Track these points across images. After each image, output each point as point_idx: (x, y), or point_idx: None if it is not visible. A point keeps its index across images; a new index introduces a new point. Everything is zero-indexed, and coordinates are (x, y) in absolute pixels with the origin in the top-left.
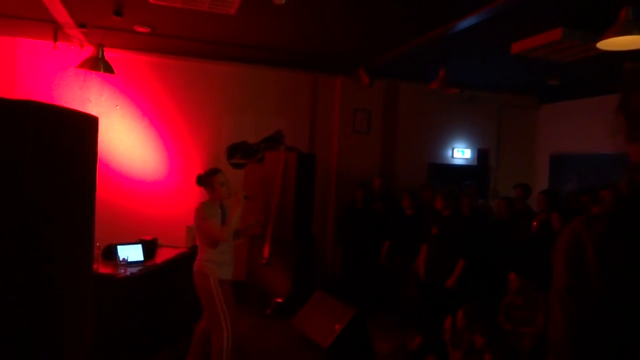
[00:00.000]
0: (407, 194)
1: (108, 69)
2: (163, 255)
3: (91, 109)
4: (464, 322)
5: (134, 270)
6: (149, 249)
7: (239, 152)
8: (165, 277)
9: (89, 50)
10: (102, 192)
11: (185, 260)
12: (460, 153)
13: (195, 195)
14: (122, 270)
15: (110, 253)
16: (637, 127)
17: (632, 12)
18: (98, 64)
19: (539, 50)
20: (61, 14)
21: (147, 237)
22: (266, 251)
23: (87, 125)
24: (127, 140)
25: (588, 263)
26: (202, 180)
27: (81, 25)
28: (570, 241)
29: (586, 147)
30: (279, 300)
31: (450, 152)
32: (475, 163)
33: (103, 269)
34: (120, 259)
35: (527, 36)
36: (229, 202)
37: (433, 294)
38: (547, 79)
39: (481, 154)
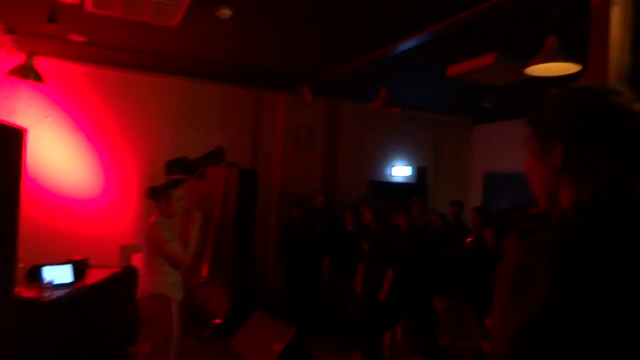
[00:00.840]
0: (351, 211)
1: (37, 78)
2: (94, 276)
3: (19, 120)
4: (402, 338)
5: (61, 293)
6: (79, 269)
7: (178, 168)
8: (96, 299)
9: (18, 58)
10: (29, 208)
11: (118, 281)
12: (400, 171)
13: (132, 212)
14: (48, 293)
15: (35, 275)
16: (578, 154)
17: (556, 41)
18: (27, 73)
19: (473, 73)
20: None
21: (77, 257)
22: (205, 270)
23: (12, 136)
24: (58, 154)
25: (537, 290)
26: (155, 193)
27: (10, 31)
28: (515, 269)
29: (517, 166)
30: (218, 321)
31: (390, 170)
32: (414, 181)
33: (27, 292)
34: (46, 281)
35: (463, 60)
36: (176, 219)
37: (370, 310)
38: (481, 101)
39: (420, 172)
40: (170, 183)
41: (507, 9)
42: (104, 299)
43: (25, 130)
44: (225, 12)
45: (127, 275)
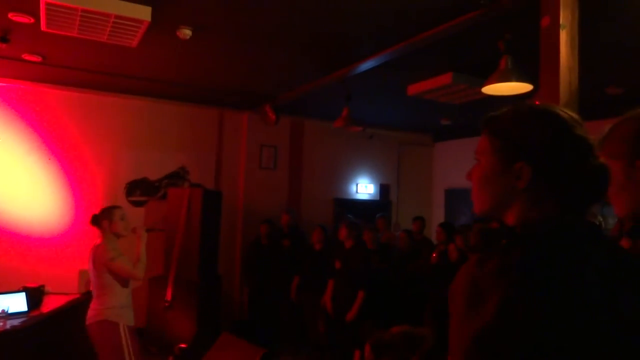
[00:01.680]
0: (319, 227)
1: None
2: (51, 303)
3: None
4: (371, 356)
5: (16, 322)
6: (34, 297)
7: (139, 189)
8: (53, 328)
9: None
10: None
11: (77, 308)
12: (364, 188)
13: (91, 235)
14: (1, 324)
15: None
16: (544, 180)
17: (510, 62)
18: None
19: (432, 92)
20: None
21: (32, 284)
22: (169, 293)
23: None
24: (11, 177)
25: (486, 303)
26: (97, 218)
27: None
28: (467, 284)
29: None
30: (183, 345)
31: (354, 188)
32: (378, 198)
33: None
34: None
35: (422, 79)
36: (123, 240)
37: (341, 329)
38: (440, 119)
39: (383, 189)
40: (110, 206)
41: (462, 31)
42: (62, 328)
43: None
44: (186, 33)
45: (87, 302)
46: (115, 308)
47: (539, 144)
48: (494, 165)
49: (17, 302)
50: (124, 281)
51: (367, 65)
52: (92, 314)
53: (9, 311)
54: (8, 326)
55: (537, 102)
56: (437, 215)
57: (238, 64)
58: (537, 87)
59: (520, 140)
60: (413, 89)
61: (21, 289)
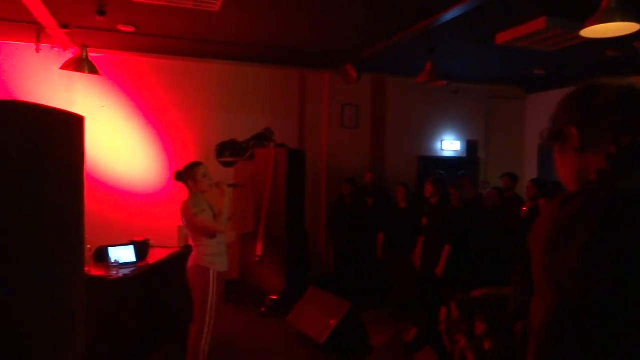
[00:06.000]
0: (403, 186)
1: (92, 69)
2: (155, 255)
3: (77, 111)
4: (457, 313)
5: (126, 271)
6: (141, 249)
7: (228, 151)
8: (158, 277)
9: (73, 52)
10: (92, 193)
11: (178, 260)
12: (450, 145)
13: (184, 195)
14: (114, 272)
15: (102, 255)
16: (591, 134)
17: (614, 0)
18: (82, 65)
19: (523, 40)
20: (43, 15)
21: (139, 238)
22: (259, 249)
23: (73, 124)
24: (115, 141)
25: (569, 244)
26: (181, 175)
27: (63, 26)
28: (549, 225)
29: None
30: (274, 297)
31: (439, 144)
32: (464, 155)
33: (95, 271)
34: (112, 260)
35: (511, 26)
36: (209, 195)
37: (428, 285)
38: (533, 69)
39: (470, 146)
40: (193, 163)
41: None
42: (165, 277)
43: (83, 117)
44: None
45: (186, 254)
46: (206, 255)
47: (569, 105)
48: (557, 149)
49: (126, 254)
50: (208, 234)
51: (451, 14)
52: (191, 260)
53: (120, 261)
54: (120, 274)
55: None
56: (530, 172)
57: (318, 22)
58: None
59: (557, 116)
60: (502, 37)
61: (129, 242)
